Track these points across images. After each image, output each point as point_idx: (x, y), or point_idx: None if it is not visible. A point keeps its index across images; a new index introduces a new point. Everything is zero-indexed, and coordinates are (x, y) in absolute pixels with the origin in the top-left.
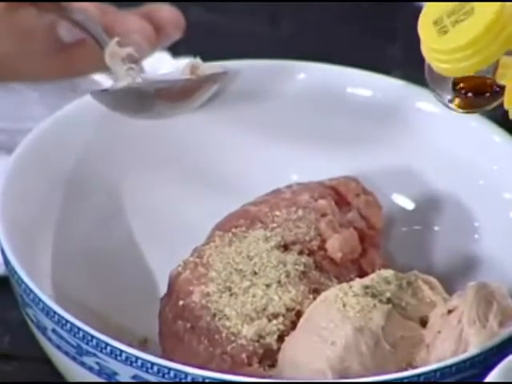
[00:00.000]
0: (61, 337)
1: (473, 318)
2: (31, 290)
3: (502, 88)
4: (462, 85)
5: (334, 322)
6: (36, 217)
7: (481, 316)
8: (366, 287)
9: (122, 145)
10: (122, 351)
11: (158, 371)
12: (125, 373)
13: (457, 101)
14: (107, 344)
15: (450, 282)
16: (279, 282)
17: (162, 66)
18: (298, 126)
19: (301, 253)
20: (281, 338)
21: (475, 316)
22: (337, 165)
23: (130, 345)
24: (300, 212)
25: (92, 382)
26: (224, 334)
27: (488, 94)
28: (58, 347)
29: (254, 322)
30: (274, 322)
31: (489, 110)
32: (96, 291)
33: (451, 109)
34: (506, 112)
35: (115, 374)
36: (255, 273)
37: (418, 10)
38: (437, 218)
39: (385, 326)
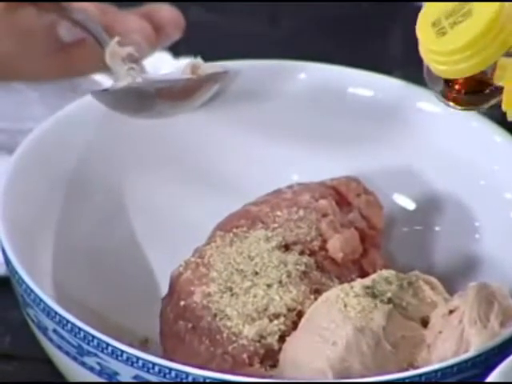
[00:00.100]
0: (62, 337)
1: (474, 318)
2: (32, 290)
3: (500, 87)
4: (459, 81)
5: (335, 322)
6: (37, 217)
7: (482, 316)
8: (367, 287)
9: (123, 145)
10: (123, 351)
11: (159, 371)
12: (126, 373)
13: (454, 99)
14: (108, 344)
15: (451, 282)
16: (280, 282)
17: (163, 66)
18: (299, 125)
19: (302, 253)
20: (282, 338)
21: (476, 316)
22: (338, 165)
23: (130, 345)
24: (301, 212)
25: (93, 382)
26: (225, 334)
27: (487, 91)
28: (59, 347)
29: (255, 322)
30: (275, 322)
31: (488, 107)
32: (97, 291)
33: (450, 106)
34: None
35: (116, 374)
36: (256, 273)
37: (418, 10)
38: (438, 218)
39: (386, 326)
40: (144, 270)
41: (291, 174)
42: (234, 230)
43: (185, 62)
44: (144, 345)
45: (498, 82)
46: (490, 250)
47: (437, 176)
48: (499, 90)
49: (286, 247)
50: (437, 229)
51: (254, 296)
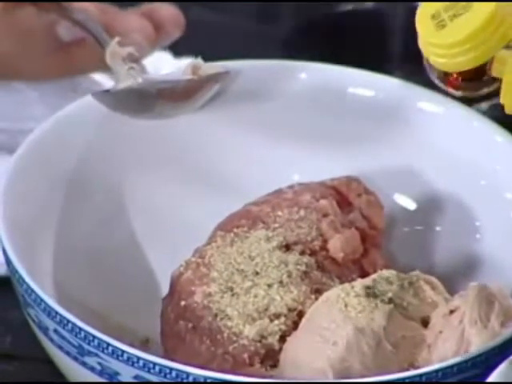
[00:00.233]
0: (62, 337)
1: (474, 318)
2: (33, 290)
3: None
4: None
5: (336, 322)
6: (37, 217)
7: (482, 316)
8: (368, 287)
9: (124, 145)
10: (123, 351)
11: (160, 371)
12: (126, 373)
13: (452, 85)
14: (109, 344)
15: (451, 282)
16: (281, 282)
17: (164, 65)
18: (299, 125)
19: (302, 253)
20: (282, 338)
21: (477, 316)
22: (338, 165)
23: (131, 345)
24: (302, 212)
25: (94, 382)
26: (226, 334)
27: (485, 78)
28: (60, 347)
29: (256, 322)
30: (276, 322)
31: (486, 92)
32: (97, 291)
33: (449, 91)
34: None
35: (117, 374)
36: (257, 273)
37: None
38: (438, 218)
39: (386, 326)
40: (144, 270)
41: (292, 174)
42: (235, 230)
43: (185, 61)
44: (145, 345)
45: (496, 75)
46: (490, 250)
47: (437, 176)
48: (497, 78)
49: (287, 247)
50: (437, 229)
51: (255, 296)
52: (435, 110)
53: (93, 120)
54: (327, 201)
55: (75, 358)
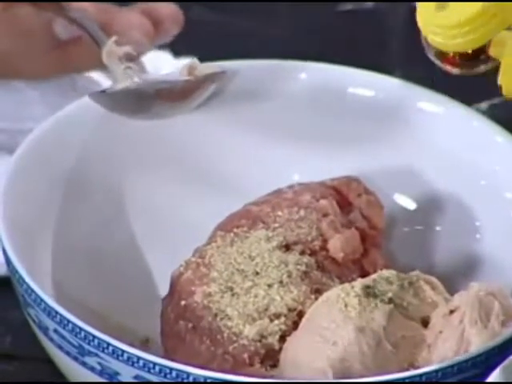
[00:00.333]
0: (62, 337)
1: (474, 318)
2: (33, 290)
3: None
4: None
5: (336, 322)
6: (37, 217)
7: (482, 316)
8: (368, 287)
9: (123, 145)
10: (123, 351)
11: (160, 371)
12: (126, 373)
13: (449, 62)
14: (109, 344)
15: (451, 282)
16: (281, 282)
17: (163, 65)
18: (299, 126)
19: (302, 253)
20: (282, 338)
21: (477, 316)
22: (338, 165)
23: (131, 345)
24: (302, 212)
25: (94, 382)
26: (226, 334)
27: (482, 57)
28: (60, 347)
29: (256, 322)
30: (276, 322)
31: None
32: (97, 291)
33: (446, 69)
34: (508, 112)
35: (117, 374)
36: (257, 273)
37: None
38: (438, 217)
39: (386, 326)
40: (144, 270)
41: (292, 174)
42: (235, 230)
43: (185, 61)
44: (145, 345)
45: (495, 56)
46: (490, 249)
47: (437, 176)
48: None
49: (287, 247)
50: (437, 229)
51: (255, 296)
52: (435, 110)
53: (93, 120)
54: (327, 201)
55: (75, 358)
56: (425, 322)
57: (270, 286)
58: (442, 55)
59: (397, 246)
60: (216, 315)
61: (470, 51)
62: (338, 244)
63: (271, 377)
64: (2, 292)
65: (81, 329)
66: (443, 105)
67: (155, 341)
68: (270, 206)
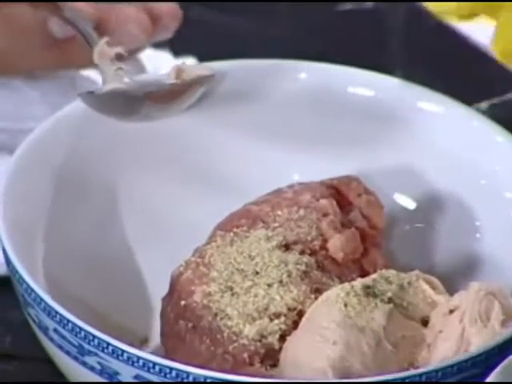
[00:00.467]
0: (62, 336)
1: (474, 317)
2: (33, 290)
3: None
4: None
5: (336, 322)
6: (38, 217)
7: (482, 316)
8: (368, 287)
9: (123, 145)
10: (123, 351)
11: (160, 371)
12: (126, 372)
13: None
14: (109, 344)
15: (451, 282)
16: (281, 281)
17: (163, 65)
18: (300, 125)
19: (302, 252)
20: (282, 338)
21: (477, 316)
22: (338, 164)
23: (131, 344)
24: (301, 212)
25: (94, 381)
26: (226, 334)
27: None
28: (60, 347)
29: (256, 321)
30: (276, 321)
31: None
32: (97, 291)
33: None
34: (508, 112)
35: (117, 373)
36: (257, 272)
37: (419, 10)
38: (438, 217)
39: (386, 325)
40: (144, 270)
41: (292, 174)
42: (235, 230)
43: (185, 61)
44: (145, 344)
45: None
46: (490, 249)
47: (438, 176)
48: None
49: (287, 247)
50: (437, 228)
51: (255, 295)
52: (435, 110)
53: (93, 120)
54: (327, 200)
55: (75, 358)
56: (425, 322)
57: (269, 285)
58: None
59: (397, 245)
60: (216, 315)
61: None
62: (338, 244)
63: (271, 376)
64: (2, 292)
65: (81, 328)
66: (443, 105)
67: (155, 341)
68: (269, 206)
